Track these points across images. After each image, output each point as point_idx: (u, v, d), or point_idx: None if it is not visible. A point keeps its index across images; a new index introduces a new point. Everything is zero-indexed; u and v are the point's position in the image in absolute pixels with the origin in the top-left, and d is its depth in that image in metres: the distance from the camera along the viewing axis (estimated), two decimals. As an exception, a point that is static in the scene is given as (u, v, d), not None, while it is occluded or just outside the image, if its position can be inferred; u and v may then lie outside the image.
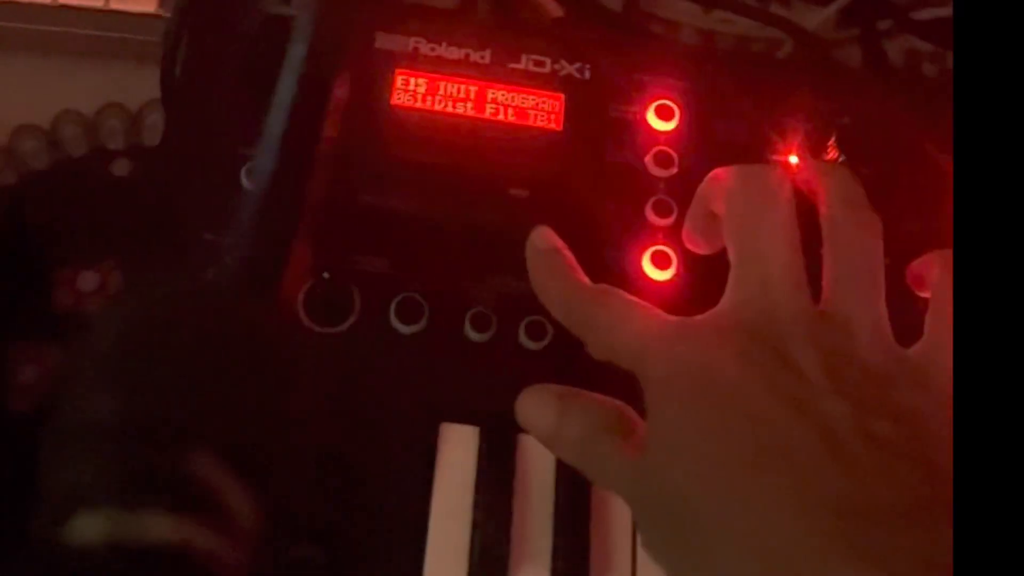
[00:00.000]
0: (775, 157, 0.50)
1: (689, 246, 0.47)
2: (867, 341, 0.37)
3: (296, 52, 0.39)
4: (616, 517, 0.46)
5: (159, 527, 0.28)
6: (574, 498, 0.45)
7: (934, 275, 0.41)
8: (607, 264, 0.49)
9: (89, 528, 0.28)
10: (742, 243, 0.39)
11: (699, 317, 0.39)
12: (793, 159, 0.48)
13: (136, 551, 0.28)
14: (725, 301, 0.39)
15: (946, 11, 0.66)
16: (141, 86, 0.61)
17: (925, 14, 0.66)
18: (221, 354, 0.32)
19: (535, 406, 0.40)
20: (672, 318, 0.39)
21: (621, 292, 0.41)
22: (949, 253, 0.41)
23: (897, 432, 0.34)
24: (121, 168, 0.59)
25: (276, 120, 0.38)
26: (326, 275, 0.48)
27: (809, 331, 0.36)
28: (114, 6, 0.60)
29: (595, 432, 0.38)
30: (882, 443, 0.33)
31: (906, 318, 0.39)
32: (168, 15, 0.57)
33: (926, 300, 0.41)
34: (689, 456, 0.35)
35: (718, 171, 0.43)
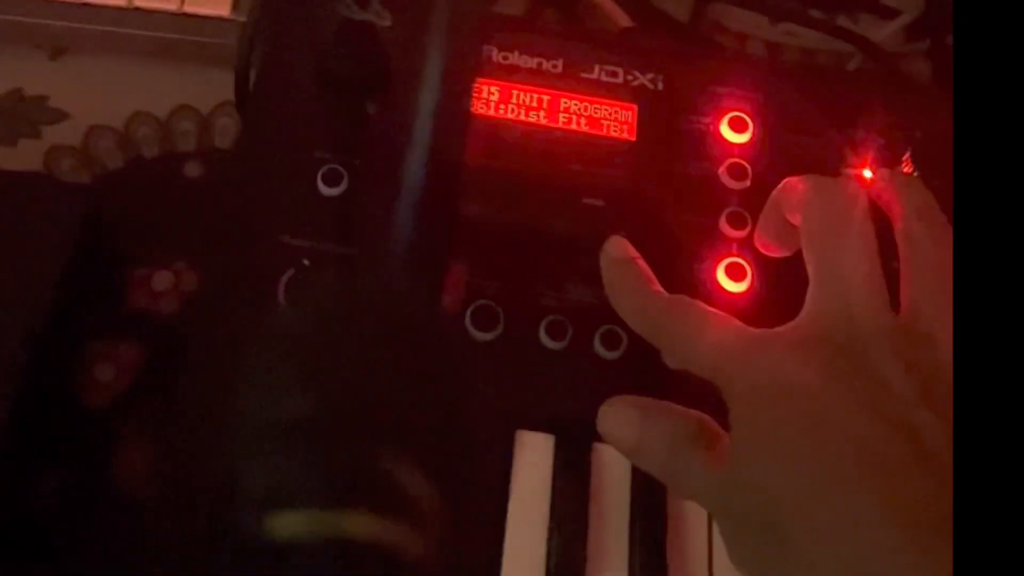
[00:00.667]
0: (849, 170, 0.50)
1: (761, 250, 0.48)
2: (947, 351, 0.37)
3: (434, 65, 0.40)
4: (692, 528, 0.46)
5: (367, 526, 0.29)
6: (650, 508, 0.45)
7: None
8: (681, 275, 0.49)
9: (295, 526, 0.28)
10: (822, 256, 0.40)
11: (779, 329, 0.39)
12: (867, 172, 0.49)
13: (345, 550, 0.28)
14: (805, 314, 0.39)
15: (1015, 26, 0.66)
16: (213, 89, 0.62)
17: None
18: (396, 353, 0.32)
19: (617, 418, 0.41)
20: (750, 329, 0.39)
21: (697, 302, 0.41)
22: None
23: None
24: (193, 170, 0.59)
25: (422, 134, 0.38)
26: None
27: (892, 344, 0.36)
28: (187, 9, 0.61)
29: (678, 443, 0.39)
30: None
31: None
32: (241, 18, 0.58)
33: None
34: (779, 469, 0.35)
35: (793, 180, 0.43)
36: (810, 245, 0.40)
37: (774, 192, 0.44)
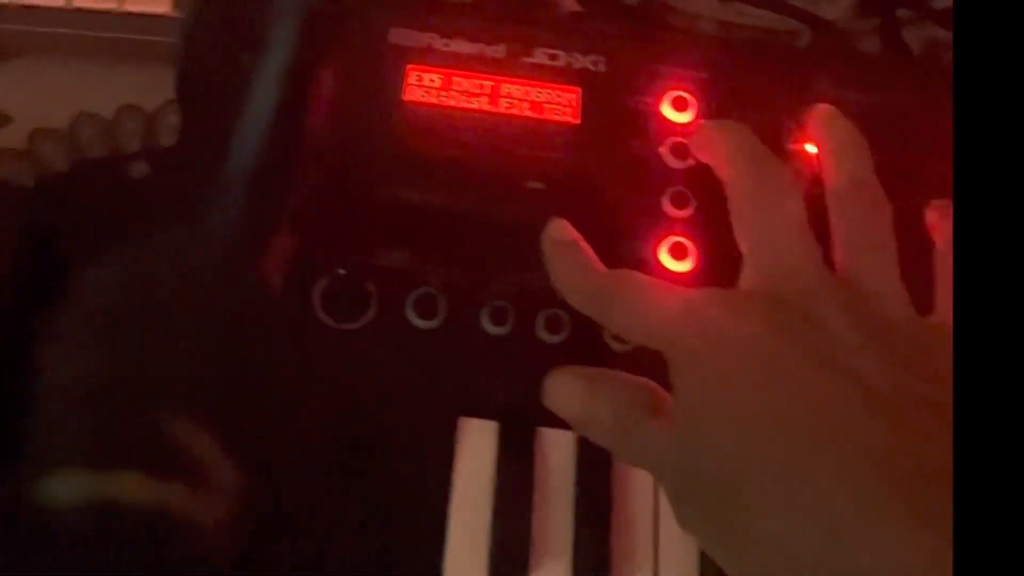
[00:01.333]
0: (792, 146, 0.50)
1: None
2: (891, 304, 0.37)
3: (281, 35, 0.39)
4: (638, 507, 0.45)
5: (134, 487, 0.28)
6: (594, 490, 0.45)
7: (939, 239, 0.42)
8: (624, 256, 0.48)
9: (64, 488, 0.27)
10: (753, 222, 0.40)
11: (723, 289, 0.39)
12: (810, 147, 0.48)
13: (110, 510, 0.27)
14: (744, 277, 0.39)
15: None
16: (157, 87, 0.61)
17: (944, 2, 0.66)
18: (201, 324, 0.31)
19: (563, 389, 0.40)
20: (691, 290, 0.39)
21: (638, 273, 0.41)
22: (948, 204, 0.43)
23: (936, 389, 0.34)
24: (138, 170, 0.59)
25: (261, 104, 0.38)
26: (342, 271, 0.48)
27: (833, 296, 0.36)
28: (128, 8, 0.61)
29: (626, 410, 0.38)
30: (921, 399, 0.33)
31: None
32: (182, 15, 0.57)
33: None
34: (724, 423, 0.35)
35: (717, 133, 0.44)
36: (740, 212, 0.40)
37: (697, 132, 0.46)
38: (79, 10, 0.60)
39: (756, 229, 0.39)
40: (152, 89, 0.61)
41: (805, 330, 0.35)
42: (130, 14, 0.61)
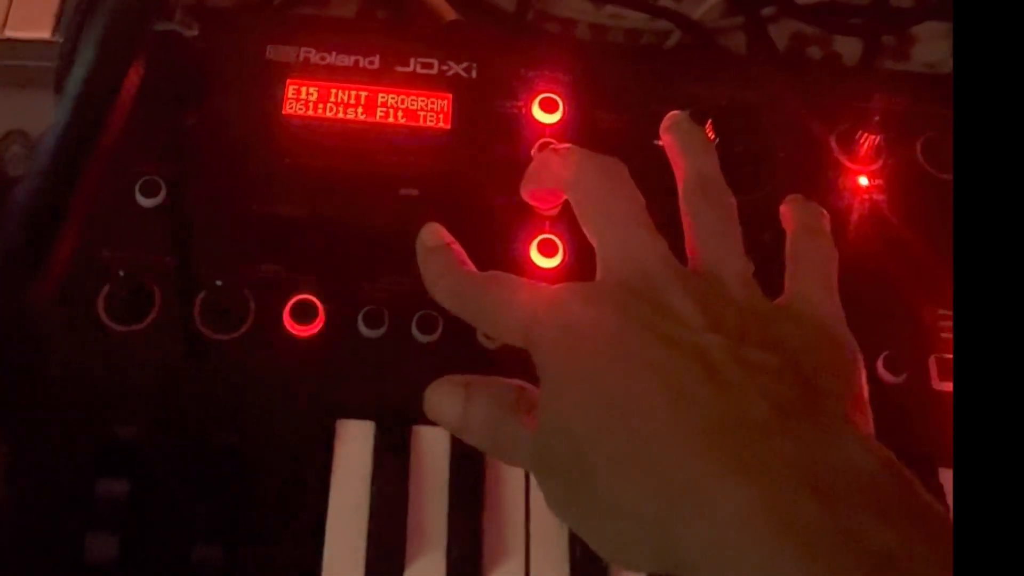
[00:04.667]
0: (656, 143, 0.51)
1: (534, 203, 0.50)
2: (735, 287, 0.39)
3: (87, 43, 0.40)
4: (509, 498, 0.47)
5: None
6: (468, 483, 0.47)
7: (788, 227, 0.44)
8: (497, 255, 0.50)
9: None
10: (599, 227, 0.41)
11: (581, 283, 0.40)
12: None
13: None
14: (598, 273, 0.41)
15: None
16: (41, 112, 0.61)
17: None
18: None
19: (442, 397, 0.41)
20: (553, 287, 0.41)
21: (507, 274, 0.42)
22: (799, 198, 0.45)
23: (772, 358, 0.36)
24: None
25: (60, 109, 0.39)
26: (219, 283, 0.49)
27: (682, 283, 0.38)
28: (9, 34, 0.61)
29: (499, 412, 0.39)
30: (756, 367, 0.35)
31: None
32: (62, 40, 0.58)
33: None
34: (582, 407, 0.36)
35: (551, 156, 0.44)
36: (586, 218, 0.42)
37: (535, 161, 0.46)
38: (-39, 38, 0.61)
39: (602, 226, 0.41)
40: (36, 113, 0.62)
41: (651, 314, 0.37)
42: (10, 40, 0.61)
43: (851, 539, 0.31)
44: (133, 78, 0.41)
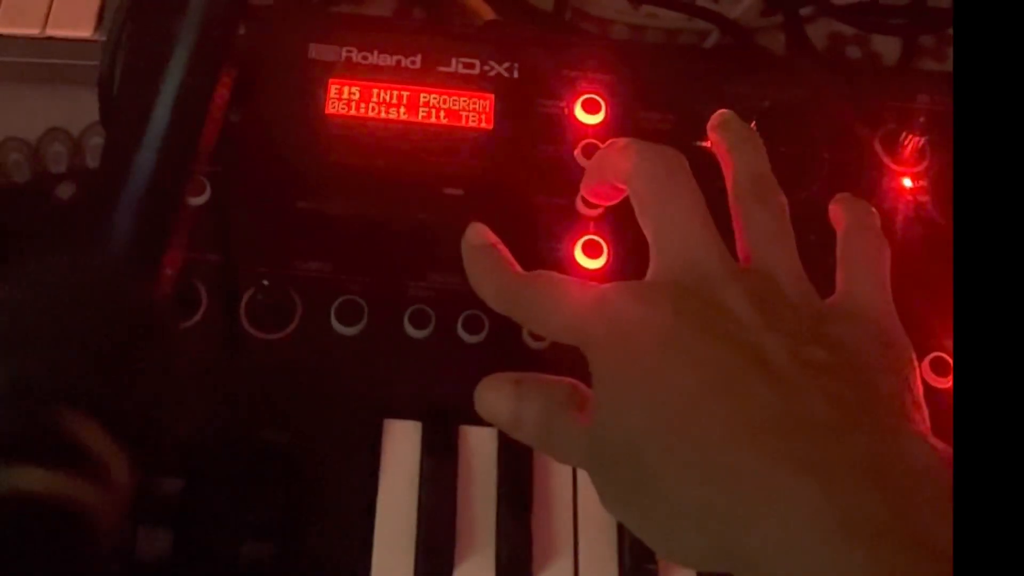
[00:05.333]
0: (699, 144, 0.51)
1: (589, 200, 0.50)
2: (790, 286, 0.39)
3: (178, 53, 0.40)
4: (558, 497, 0.47)
5: (25, 478, 0.29)
6: (516, 483, 0.47)
7: (839, 226, 0.44)
8: (541, 256, 0.51)
9: None
10: (658, 217, 0.41)
11: (633, 281, 0.40)
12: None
13: (12, 502, 0.29)
14: (652, 270, 0.41)
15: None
16: (83, 110, 0.62)
17: (846, -1, 0.68)
18: (93, 336, 0.33)
19: (493, 394, 0.41)
20: (603, 285, 0.41)
21: (553, 273, 0.42)
22: (848, 196, 0.45)
23: (830, 357, 0.36)
24: (65, 191, 0.60)
25: (160, 113, 0.39)
26: (266, 282, 0.49)
27: (736, 281, 0.38)
28: (51, 32, 0.61)
29: (552, 409, 0.40)
30: (816, 366, 0.36)
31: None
32: (104, 39, 0.58)
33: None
34: (633, 404, 0.36)
35: (612, 148, 0.44)
36: (643, 209, 0.42)
37: (595, 156, 0.46)
38: (2, 36, 0.61)
39: (660, 224, 0.41)
40: (78, 112, 0.62)
41: (707, 313, 0.37)
42: (54, 39, 0.62)
43: (918, 538, 0.31)
44: (226, 82, 0.42)
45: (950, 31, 0.69)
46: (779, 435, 0.34)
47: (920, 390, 0.38)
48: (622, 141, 0.43)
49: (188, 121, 0.40)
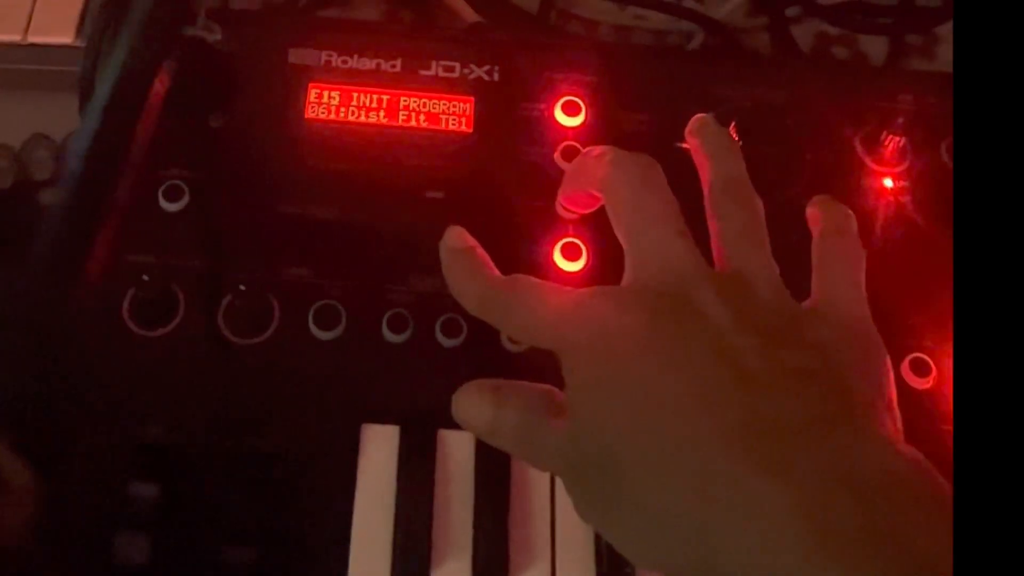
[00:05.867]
0: (680, 145, 0.51)
1: (564, 212, 0.51)
2: (764, 290, 0.39)
3: (118, 50, 0.40)
4: (535, 502, 0.47)
5: None
6: (493, 487, 0.46)
7: (815, 229, 0.44)
8: (520, 259, 0.50)
9: None
10: (631, 223, 0.41)
11: (609, 287, 0.40)
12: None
13: None
14: (627, 276, 0.41)
15: (852, -5, 0.68)
16: (65, 116, 0.62)
17: (832, -1, 0.68)
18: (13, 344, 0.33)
19: (470, 401, 0.41)
20: (580, 290, 0.41)
21: (531, 278, 0.42)
22: (825, 198, 0.45)
23: (805, 358, 0.36)
24: (48, 197, 0.59)
25: (90, 116, 0.39)
26: (242, 287, 0.49)
27: (711, 284, 0.38)
28: (32, 39, 0.61)
29: (528, 416, 0.39)
30: (788, 369, 0.35)
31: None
32: (84, 44, 0.58)
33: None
34: (606, 409, 0.36)
35: (587, 158, 0.44)
36: (618, 217, 0.42)
37: (572, 164, 0.46)
38: (-16, 43, 0.61)
39: (633, 231, 0.41)
40: (61, 118, 0.62)
41: (681, 316, 0.37)
42: (34, 45, 0.61)
43: (892, 543, 0.30)
44: (160, 84, 0.41)
45: (938, 30, 0.68)
46: (749, 438, 0.33)
47: (894, 395, 0.38)
48: (597, 149, 0.43)
49: (114, 123, 0.40)
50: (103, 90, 0.39)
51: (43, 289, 0.35)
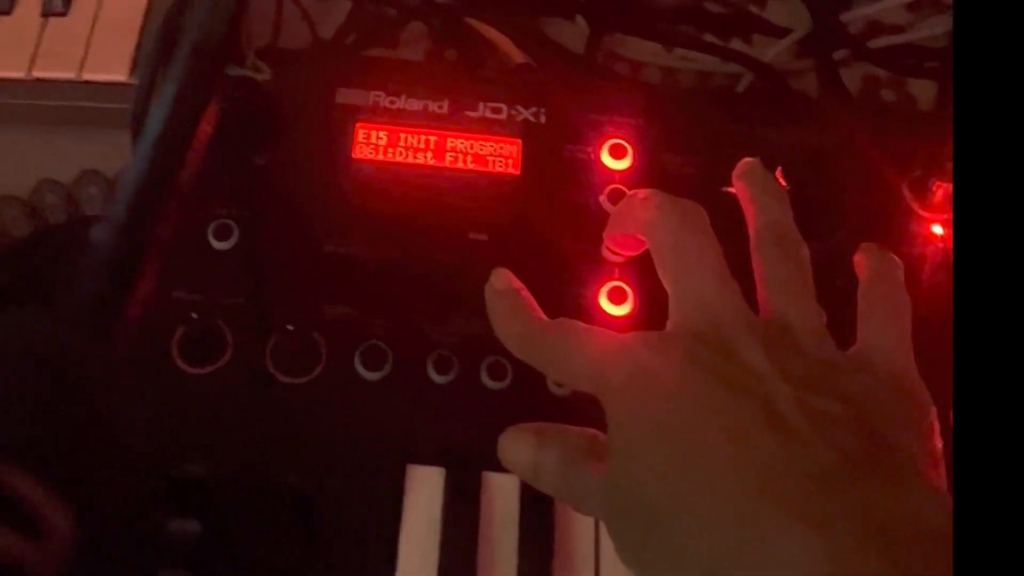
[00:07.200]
0: (726, 189, 0.51)
1: (611, 254, 0.50)
2: (806, 337, 0.39)
3: (167, 87, 0.41)
4: (579, 546, 0.47)
5: None
6: (538, 530, 0.47)
7: (862, 276, 0.44)
8: (566, 302, 0.50)
9: None
10: (675, 270, 0.41)
11: (651, 332, 0.41)
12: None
13: None
14: (670, 321, 0.41)
15: (901, 39, 0.68)
16: (117, 152, 0.63)
17: (880, 42, 0.67)
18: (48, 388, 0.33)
19: (514, 444, 0.42)
20: (622, 335, 0.41)
21: (576, 322, 0.43)
22: (873, 246, 0.45)
23: (841, 408, 0.36)
24: (97, 233, 0.60)
25: (139, 153, 0.39)
26: (290, 327, 0.49)
27: (751, 331, 0.38)
28: (86, 76, 0.62)
29: (571, 460, 0.40)
30: (826, 417, 0.35)
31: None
32: (138, 82, 0.59)
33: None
34: (643, 454, 0.37)
35: (632, 201, 0.45)
36: (662, 262, 0.42)
37: (618, 207, 0.47)
38: (39, 80, 0.62)
39: (677, 277, 0.41)
40: (112, 154, 0.63)
41: (721, 363, 0.38)
42: (88, 82, 0.62)
43: None
44: (208, 123, 0.42)
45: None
46: (780, 485, 0.33)
47: (938, 445, 0.38)
48: (643, 193, 0.44)
49: (162, 162, 0.40)
50: (153, 127, 0.39)
51: (88, 327, 0.36)
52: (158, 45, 0.56)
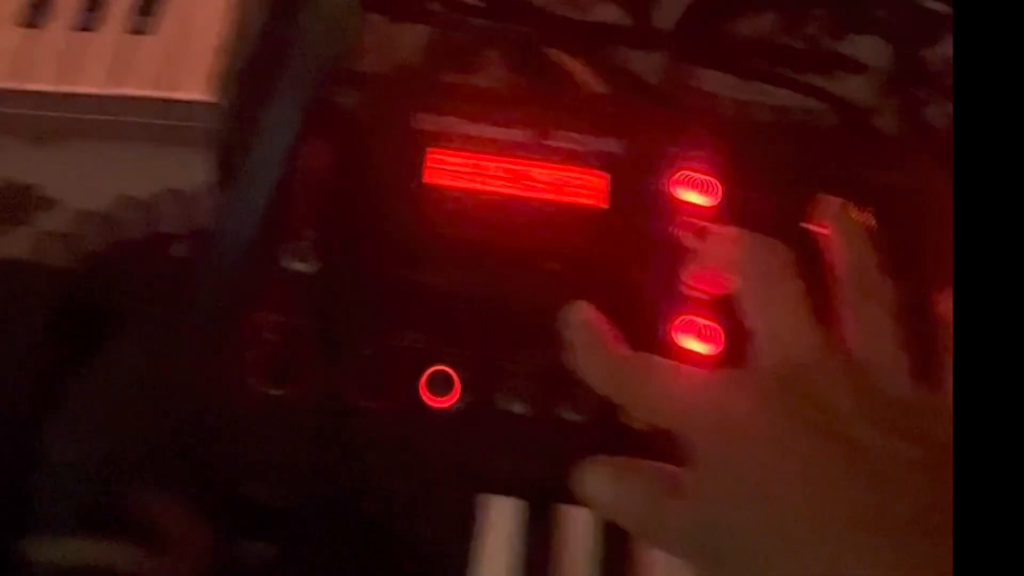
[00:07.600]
0: (811, 227, 0.50)
1: (698, 287, 0.50)
2: (891, 380, 0.40)
3: (276, 119, 0.41)
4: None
5: (80, 552, 0.30)
6: (615, 567, 0.46)
7: (947, 322, 0.43)
8: (644, 336, 0.49)
9: (58, 554, 0.29)
10: (760, 313, 0.42)
11: (735, 370, 0.42)
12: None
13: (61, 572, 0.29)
14: (753, 360, 0.42)
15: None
16: (197, 171, 0.63)
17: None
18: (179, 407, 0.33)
19: (593, 479, 0.42)
20: (706, 372, 0.42)
21: (657, 357, 0.44)
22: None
23: (922, 452, 0.37)
24: (179, 251, 0.61)
25: (252, 181, 0.39)
26: (368, 351, 0.49)
27: (835, 374, 0.39)
28: (168, 94, 0.63)
29: (651, 496, 0.40)
30: (904, 460, 0.36)
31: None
32: (221, 102, 0.60)
33: None
34: (726, 494, 0.37)
35: (718, 239, 0.46)
36: (748, 302, 0.43)
37: (703, 245, 0.48)
38: (120, 96, 0.63)
39: (761, 313, 0.42)
40: (192, 172, 0.63)
41: (804, 404, 0.38)
42: (170, 100, 0.63)
43: None
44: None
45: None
46: (860, 530, 0.34)
47: None
48: (729, 231, 0.44)
49: (273, 192, 0.40)
50: (265, 156, 0.40)
51: (199, 350, 0.36)
52: (247, 70, 0.57)
